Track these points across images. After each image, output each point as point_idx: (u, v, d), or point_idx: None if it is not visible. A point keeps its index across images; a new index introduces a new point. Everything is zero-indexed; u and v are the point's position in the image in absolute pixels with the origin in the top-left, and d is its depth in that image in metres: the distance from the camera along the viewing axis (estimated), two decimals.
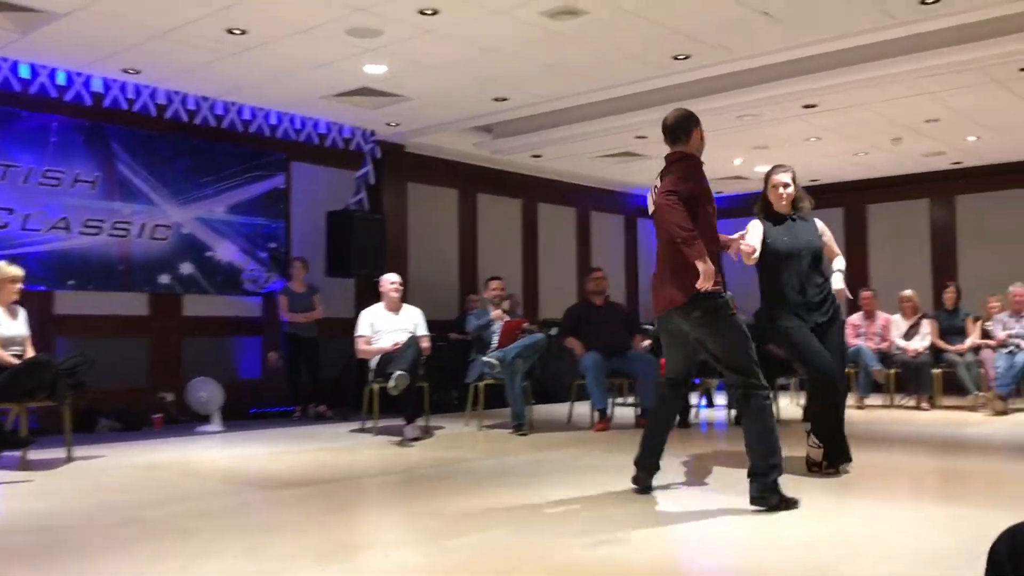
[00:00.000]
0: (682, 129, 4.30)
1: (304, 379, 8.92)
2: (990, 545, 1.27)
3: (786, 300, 4.90)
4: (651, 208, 4.28)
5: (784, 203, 5.00)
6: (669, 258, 4.16)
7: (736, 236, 4.63)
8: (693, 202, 4.08)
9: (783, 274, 4.90)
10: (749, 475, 4.04)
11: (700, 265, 3.95)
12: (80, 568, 3.17)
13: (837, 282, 5.02)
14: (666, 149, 4.34)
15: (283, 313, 8.79)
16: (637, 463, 4.51)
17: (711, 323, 4.09)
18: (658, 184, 4.24)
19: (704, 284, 3.96)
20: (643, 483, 4.48)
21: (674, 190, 4.05)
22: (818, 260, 5.00)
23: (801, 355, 4.87)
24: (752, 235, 4.89)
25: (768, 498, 3.96)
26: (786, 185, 4.99)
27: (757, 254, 4.69)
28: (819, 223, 5.12)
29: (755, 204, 5.14)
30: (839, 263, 5.14)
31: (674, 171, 4.18)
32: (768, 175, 5.10)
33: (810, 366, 4.85)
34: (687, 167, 4.19)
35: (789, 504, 3.99)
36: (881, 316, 9.74)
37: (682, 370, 4.45)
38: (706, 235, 4.07)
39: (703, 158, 4.33)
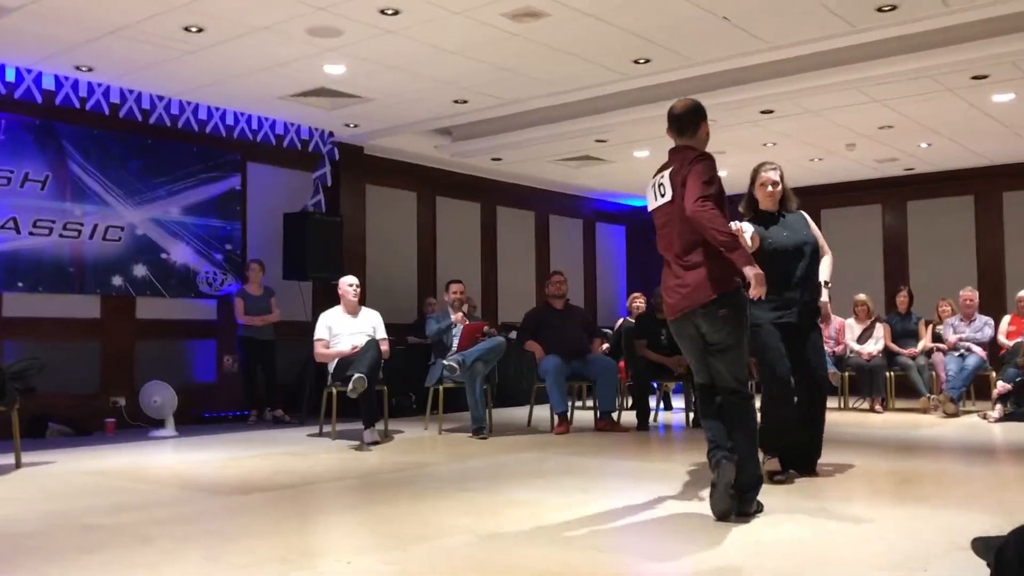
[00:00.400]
0: (690, 121, 4.11)
1: (260, 383, 8.81)
2: (995, 551, 1.27)
3: (771, 296, 4.67)
4: (654, 204, 4.11)
5: (772, 201, 4.96)
6: (687, 257, 3.95)
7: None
8: (720, 205, 3.91)
9: (781, 271, 4.80)
10: (744, 490, 3.89)
11: (750, 271, 3.80)
12: None
13: (824, 296, 5.00)
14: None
15: (239, 316, 8.67)
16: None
17: (733, 323, 3.89)
18: (662, 180, 4.05)
19: (758, 291, 3.82)
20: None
21: (706, 195, 3.82)
22: (816, 254, 4.99)
23: (761, 355, 4.82)
24: (746, 236, 4.74)
25: (755, 511, 3.95)
26: (775, 183, 4.94)
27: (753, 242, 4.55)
28: (807, 216, 5.10)
29: (740, 204, 5.08)
30: (826, 269, 5.10)
31: (696, 172, 3.91)
32: (755, 173, 5.03)
33: (768, 368, 4.81)
34: (708, 167, 3.94)
35: (759, 507, 4.00)
36: (835, 320, 9.85)
37: (710, 374, 4.13)
38: None
39: None
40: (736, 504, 3.86)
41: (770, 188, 4.95)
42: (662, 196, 4.05)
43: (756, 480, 3.95)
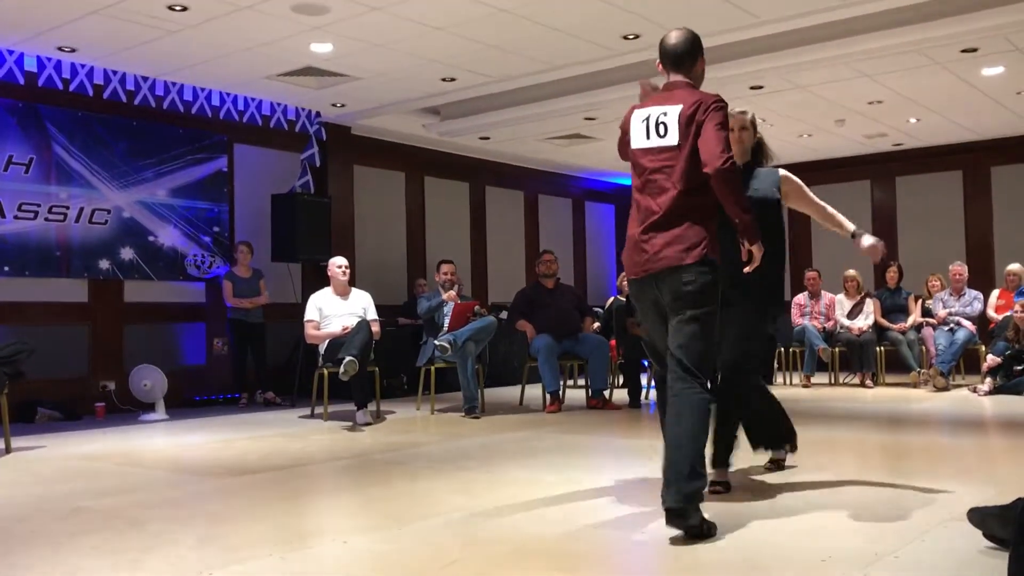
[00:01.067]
0: (687, 52, 3.54)
1: (250, 365, 8.77)
2: (1018, 509, 1.25)
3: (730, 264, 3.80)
4: (645, 143, 3.49)
5: (740, 149, 4.12)
6: (678, 211, 3.38)
7: None
8: None
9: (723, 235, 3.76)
10: (668, 475, 3.21)
11: (758, 250, 3.40)
12: (29, 562, 3.05)
13: (867, 240, 4.27)
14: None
15: (227, 299, 8.62)
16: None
17: (699, 298, 3.33)
18: (663, 118, 3.43)
19: (758, 262, 3.42)
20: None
21: (733, 158, 3.33)
22: (767, 214, 4.01)
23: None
24: None
25: (686, 514, 3.14)
26: (743, 127, 4.19)
27: None
28: (784, 172, 4.24)
29: None
30: (841, 217, 4.34)
31: (718, 122, 3.35)
32: None
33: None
34: (726, 120, 3.42)
35: (710, 529, 3.20)
36: (825, 295, 9.89)
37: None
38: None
39: None
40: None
41: (738, 132, 4.14)
42: (660, 137, 3.44)
43: (688, 472, 3.18)
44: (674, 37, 3.57)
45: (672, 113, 3.41)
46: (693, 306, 3.34)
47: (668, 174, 3.43)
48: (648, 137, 3.47)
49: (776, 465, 4.50)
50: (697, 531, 3.14)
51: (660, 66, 3.60)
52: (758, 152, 4.31)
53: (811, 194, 4.29)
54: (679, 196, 3.39)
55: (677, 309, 3.38)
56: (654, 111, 3.47)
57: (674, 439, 3.26)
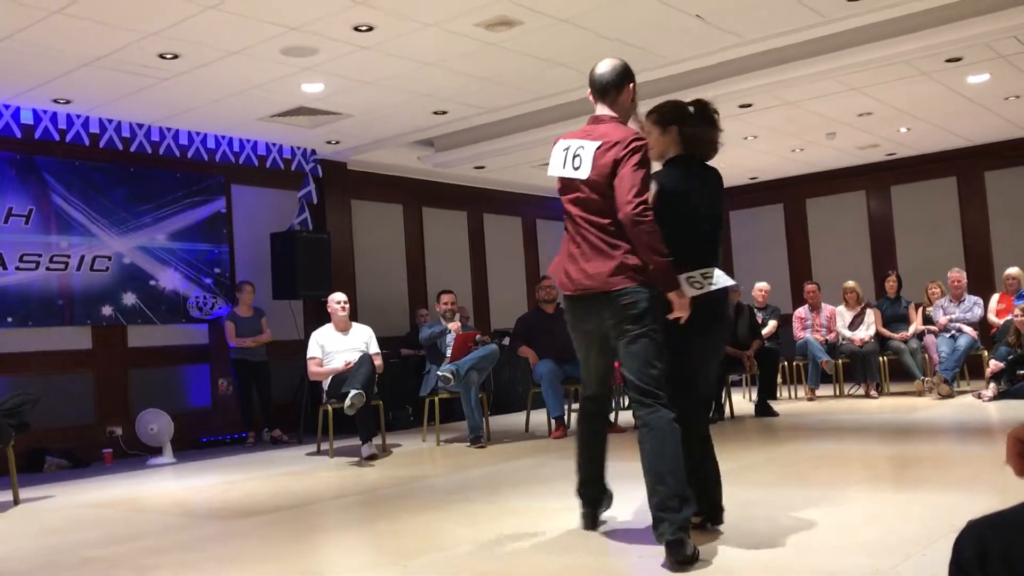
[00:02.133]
0: (612, 84, 3.52)
1: (256, 404, 8.79)
2: (953, 544, 1.28)
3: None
4: (560, 172, 3.51)
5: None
6: (611, 234, 3.40)
7: None
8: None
9: (700, 238, 3.65)
10: (658, 510, 3.23)
11: (676, 298, 3.37)
12: None
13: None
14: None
15: (230, 339, 8.66)
16: (579, 493, 3.82)
17: (637, 320, 3.33)
18: (579, 151, 3.45)
19: (682, 313, 3.38)
20: (590, 518, 3.82)
21: (646, 202, 3.31)
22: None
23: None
24: None
25: (684, 544, 3.14)
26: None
27: None
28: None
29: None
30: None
31: (635, 163, 3.34)
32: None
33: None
34: (644, 159, 3.39)
35: (697, 551, 3.18)
36: (826, 308, 9.91)
37: (605, 379, 3.70)
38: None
39: None
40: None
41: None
42: (575, 169, 3.46)
43: (677, 503, 3.19)
44: (602, 67, 3.57)
45: (588, 148, 3.44)
46: (628, 327, 3.35)
47: (581, 206, 3.49)
48: (564, 167, 3.51)
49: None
50: (694, 557, 3.15)
51: (591, 95, 3.62)
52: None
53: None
54: (593, 227, 3.44)
55: (617, 332, 3.39)
56: (575, 143, 3.50)
57: (656, 474, 3.25)
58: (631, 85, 3.58)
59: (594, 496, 3.83)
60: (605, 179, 3.39)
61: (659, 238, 3.30)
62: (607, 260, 3.39)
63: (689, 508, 3.24)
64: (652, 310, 3.36)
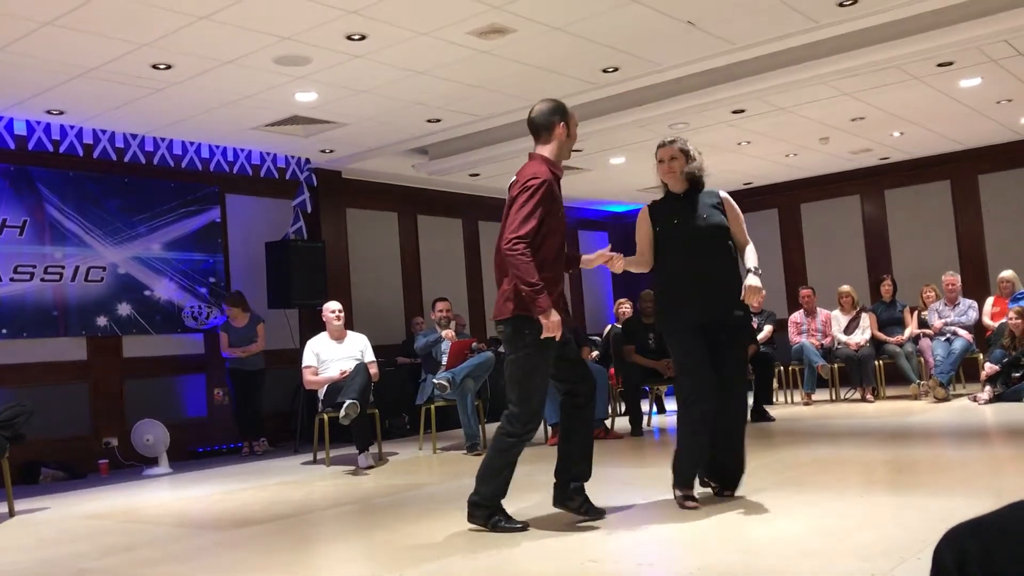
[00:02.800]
0: (541, 125, 3.99)
1: (251, 413, 8.77)
2: (933, 552, 1.28)
3: (677, 298, 4.28)
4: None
5: (674, 179, 4.29)
6: (501, 269, 4.00)
7: (597, 253, 4.24)
8: (541, 228, 3.85)
9: (676, 265, 4.27)
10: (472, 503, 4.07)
11: (544, 319, 3.79)
12: None
13: (752, 280, 4.16)
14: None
15: (224, 350, 8.63)
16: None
17: (510, 343, 3.96)
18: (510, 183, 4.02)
19: (550, 333, 3.82)
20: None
21: (520, 236, 3.77)
22: (718, 240, 4.25)
23: (679, 366, 4.32)
24: (640, 231, 4.37)
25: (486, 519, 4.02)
26: (672, 157, 4.27)
27: (621, 263, 4.20)
28: (722, 194, 4.34)
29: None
30: (751, 258, 4.29)
31: (517, 204, 3.83)
32: (656, 149, 4.38)
33: (687, 381, 4.27)
34: (530, 197, 3.83)
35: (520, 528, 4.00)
36: (821, 312, 9.91)
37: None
38: (550, 260, 3.92)
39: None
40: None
41: (667, 164, 4.29)
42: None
43: (489, 502, 4.02)
44: (533, 111, 4.03)
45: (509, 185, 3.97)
46: (507, 349, 3.99)
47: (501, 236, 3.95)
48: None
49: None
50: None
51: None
52: (695, 179, 4.33)
53: (742, 223, 4.35)
54: (499, 256, 3.93)
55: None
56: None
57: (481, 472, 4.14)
58: (562, 123, 4.01)
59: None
60: (505, 211, 3.94)
61: (529, 269, 3.76)
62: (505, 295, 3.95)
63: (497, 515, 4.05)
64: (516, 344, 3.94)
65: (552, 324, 3.79)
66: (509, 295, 3.91)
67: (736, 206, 4.35)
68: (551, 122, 3.96)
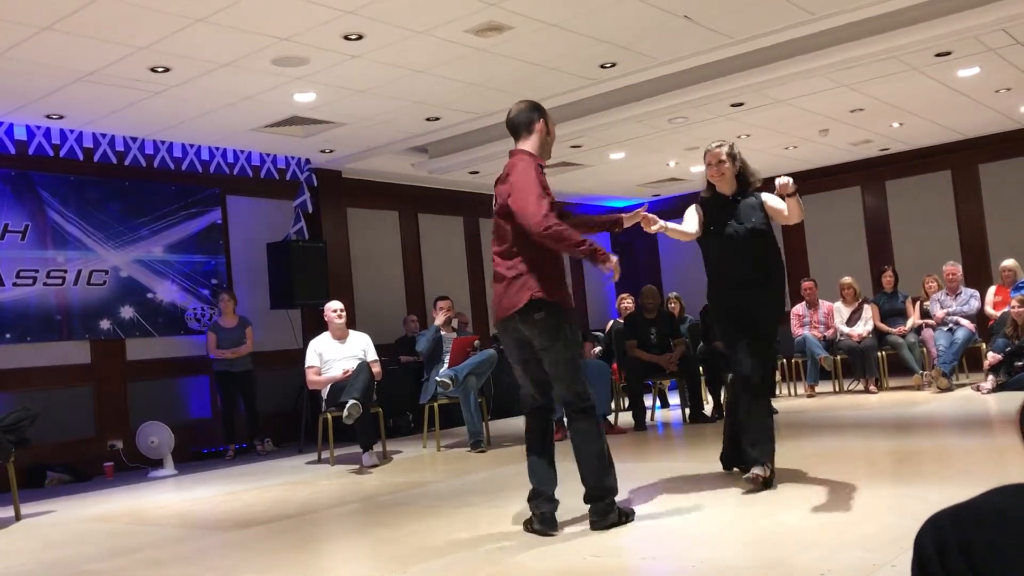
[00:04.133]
0: (521, 124, 3.99)
1: (241, 415, 8.72)
2: (914, 540, 1.29)
3: (722, 290, 4.62)
4: (497, 208, 3.97)
5: (723, 182, 4.58)
6: (517, 262, 3.86)
7: (634, 212, 4.26)
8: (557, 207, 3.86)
9: (721, 261, 4.60)
10: (586, 500, 3.85)
11: (608, 263, 3.78)
12: None
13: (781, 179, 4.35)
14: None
15: (210, 351, 8.61)
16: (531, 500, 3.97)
17: (549, 331, 3.79)
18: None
19: (614, 269, 3.79)
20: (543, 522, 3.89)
21: (543, 215, 3.68)
22: (759, 242, 4.54)
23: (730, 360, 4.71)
24: (690, 211, 4.64)
25: (607, 516, 3.81)
26: (720, 161, 4.54)
27: (656, 225, 4.22)
28: (765, 196, 4.62)
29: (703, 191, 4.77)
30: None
31: (520, 189, 3.79)
32: (705, 153, 4.69)
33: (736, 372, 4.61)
34: (528, 165, 3.86)
35: (628, 516, 3.89)
36: (823, 304, 9.91)
37: (544, 391, 4.05)
38: (551, 258, 3.90)
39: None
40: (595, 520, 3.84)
41: (715, 166, 4.56)
42: (493, 204, 4.01)
43: (601, 492, 3.82)
44: (511, 112, 4.02)
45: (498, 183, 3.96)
46: (544, 338, 3.83)
47: (496, 236, 3.95)
48: (495, 204, 3.98)
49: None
50: (616, 523, 3.82)
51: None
52: (743, 180, 4.58)
53: (787, 213, 4.52)
54: (505, 250, 3.90)
55: (537, 344, 3.86)
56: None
57: (580, 467, 3.91)
58: (542, 119, 3.99)
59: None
60: (498, 203, 3.88)
61: (573, 236, 3.73)
62: (529, 282, 3.83)
63: (612, 495, 3.85)
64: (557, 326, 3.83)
65: (615, 263, 3.78)
66: (526, 281, 3.80)
67: (776, 202, 4.54)
68: (531, 118, 3.97)
